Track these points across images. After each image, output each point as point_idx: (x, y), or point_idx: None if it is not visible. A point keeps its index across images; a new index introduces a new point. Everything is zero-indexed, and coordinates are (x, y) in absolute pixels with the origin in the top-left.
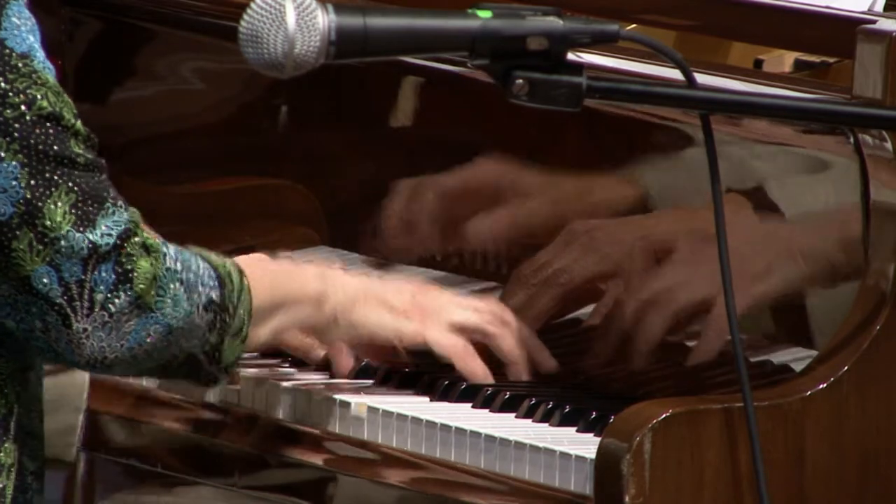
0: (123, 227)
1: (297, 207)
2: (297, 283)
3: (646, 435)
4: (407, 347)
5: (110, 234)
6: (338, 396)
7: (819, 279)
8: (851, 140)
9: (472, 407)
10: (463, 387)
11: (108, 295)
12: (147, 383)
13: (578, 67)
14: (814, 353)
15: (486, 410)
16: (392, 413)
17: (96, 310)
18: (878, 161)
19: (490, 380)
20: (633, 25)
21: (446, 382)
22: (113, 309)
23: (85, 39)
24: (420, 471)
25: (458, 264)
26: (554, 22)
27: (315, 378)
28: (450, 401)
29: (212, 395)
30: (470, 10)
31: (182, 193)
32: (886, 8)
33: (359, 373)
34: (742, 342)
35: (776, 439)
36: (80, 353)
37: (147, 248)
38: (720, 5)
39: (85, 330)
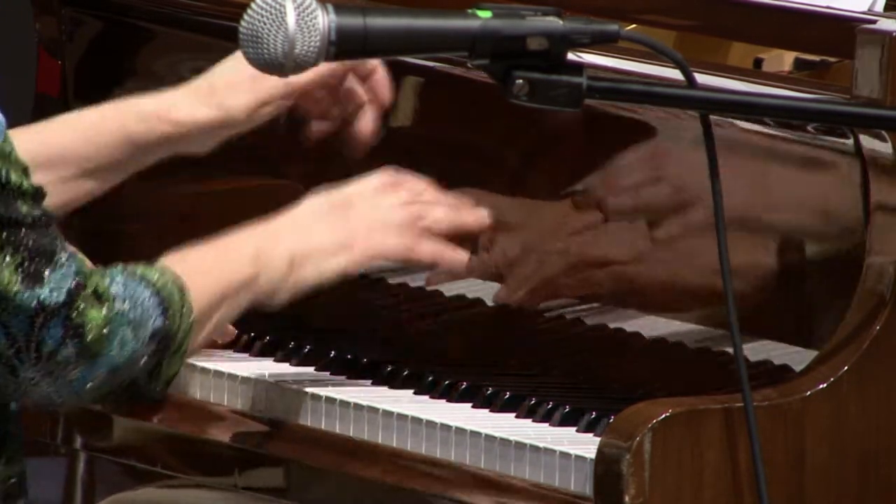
0: (73, 280)
1: None
2: (230, 273)
3: (646, 435)
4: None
5: (59, 289)
6: (339, 397)
7: (819, 279)
8: (851, 140)
9: (472, 407)
10: (463, 387)
11: (57, 348)
12: None
13: (578, 67)
14: (814, 353)
15: (486, 410)
16: (392, 413)
17: (43, 361)
18: (878, 161)
19: (449, 256)
20: (633, 25)
21: (446, 382)
22: (60, 359)
23: (85, 39)
24: (420, 471)
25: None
26: (554, 22)
27: (316, 377)
28: (450, 401)
29: (214, 395)
30: (470, 10)
31: (182, 193)
32: (886, 8)
33: (360, 373)
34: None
35: (776, 439)
36: (29, 398)
37: (98, 296)
38: (720, 5)
39: (32, 378)
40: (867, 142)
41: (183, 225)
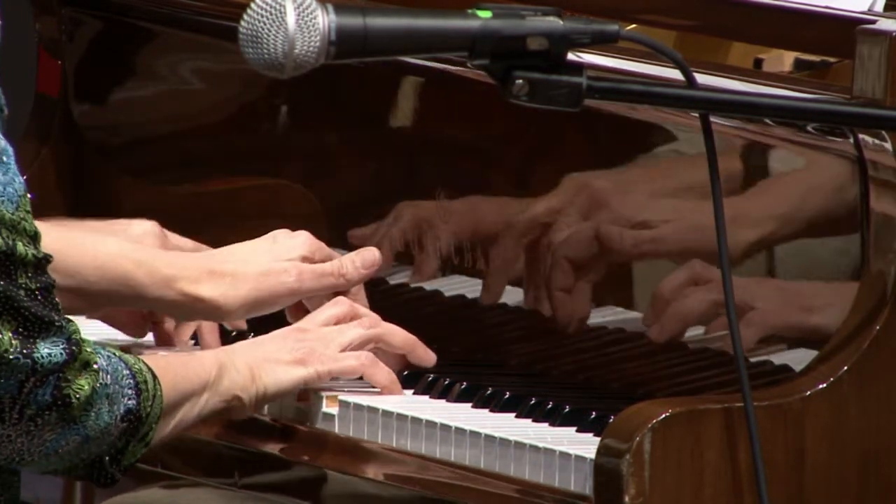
0: (65, 348)
1: (297, 207)
2: (195, 374)
3: (646, 435)
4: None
5: (51, 355)
6: (340, 397)
7: (819, 279)
8: (851, 140)
9: (472, 407)
10: (463, 387)
11: (39, 412)
12: None
13: (578, 67)
14: (814, 353)
15: (486, 410)
16: (392, 413)
17: (24, 421)
18: (878, 161)
19: (396, 384)
20: (633, 25)
21: (446, 382)
22: (40, 422)
23: (85, 39)
24: (420, 470)
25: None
26: (554, 22)
27: None
28: (449, 400)
29: None
30: (470, 10)
31: (182, 193)
32: (886, 8)
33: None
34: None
35: (776, 439)
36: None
37: (86, 366)
38: (720, 5)
39: (9, 436)
40: (867, 142)
41: (183, 225)
